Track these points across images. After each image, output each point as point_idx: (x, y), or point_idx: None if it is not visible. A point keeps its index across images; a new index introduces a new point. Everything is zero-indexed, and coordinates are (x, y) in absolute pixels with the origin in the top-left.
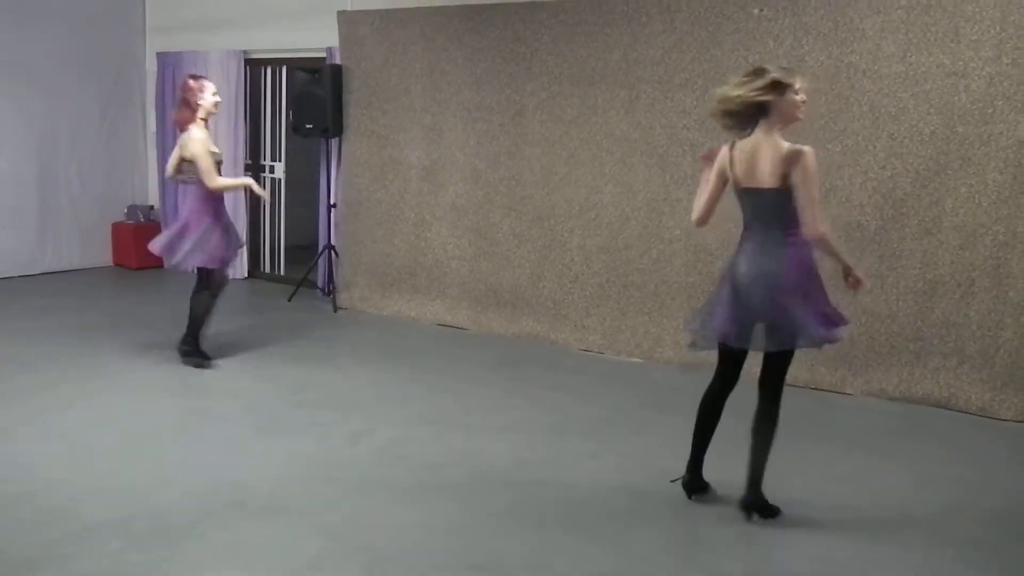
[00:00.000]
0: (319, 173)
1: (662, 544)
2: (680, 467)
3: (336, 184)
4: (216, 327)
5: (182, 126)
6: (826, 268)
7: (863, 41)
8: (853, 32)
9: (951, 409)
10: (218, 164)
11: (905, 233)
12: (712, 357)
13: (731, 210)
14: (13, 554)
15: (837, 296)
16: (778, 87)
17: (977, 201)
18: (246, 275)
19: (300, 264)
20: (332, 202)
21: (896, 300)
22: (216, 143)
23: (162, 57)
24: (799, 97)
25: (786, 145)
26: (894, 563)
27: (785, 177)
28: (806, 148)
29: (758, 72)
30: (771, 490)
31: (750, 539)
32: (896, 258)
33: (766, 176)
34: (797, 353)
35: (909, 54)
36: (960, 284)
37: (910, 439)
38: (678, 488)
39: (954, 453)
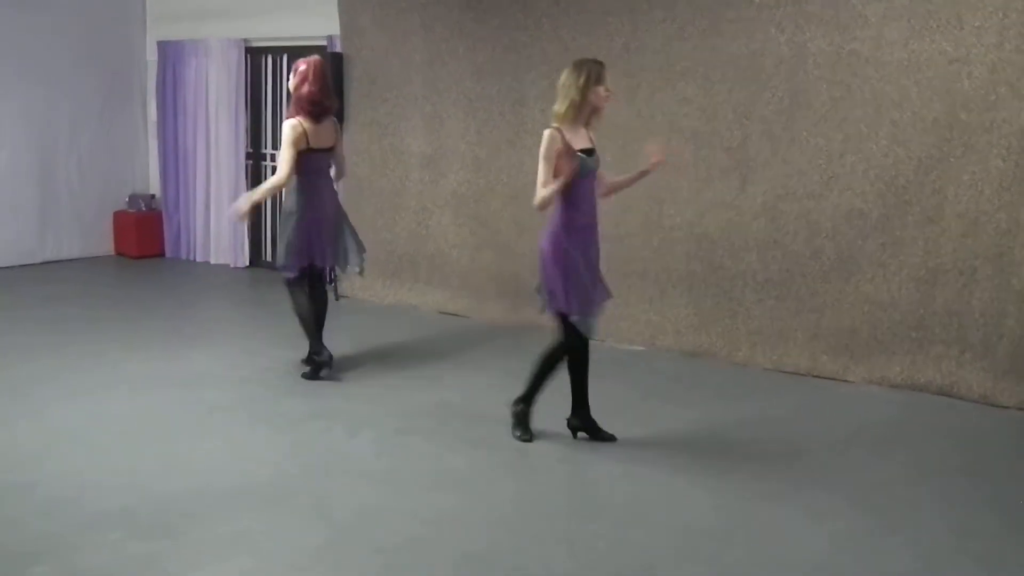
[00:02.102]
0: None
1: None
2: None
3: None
4: (217, 316)
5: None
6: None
7: (865, 28)
8: (855, 19)
9: (953, 397)
10: (308, 152)
11: (907, 221)
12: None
13: (732, 199)
14: (15, 545)
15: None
16: None
17: (980, 189)
18: (247, 264)
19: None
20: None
21: (898, 288)
22: (217, 132)
23: (163, 46)
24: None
25: None
26: (901, 553)
27: None
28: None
29: None
30: (782, 486)
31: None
32: (898, 246)
33: None
34: (800, 341)
35: (911, 41)
36: (962, 272)
37: (911, 427)
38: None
39: (956, 441)
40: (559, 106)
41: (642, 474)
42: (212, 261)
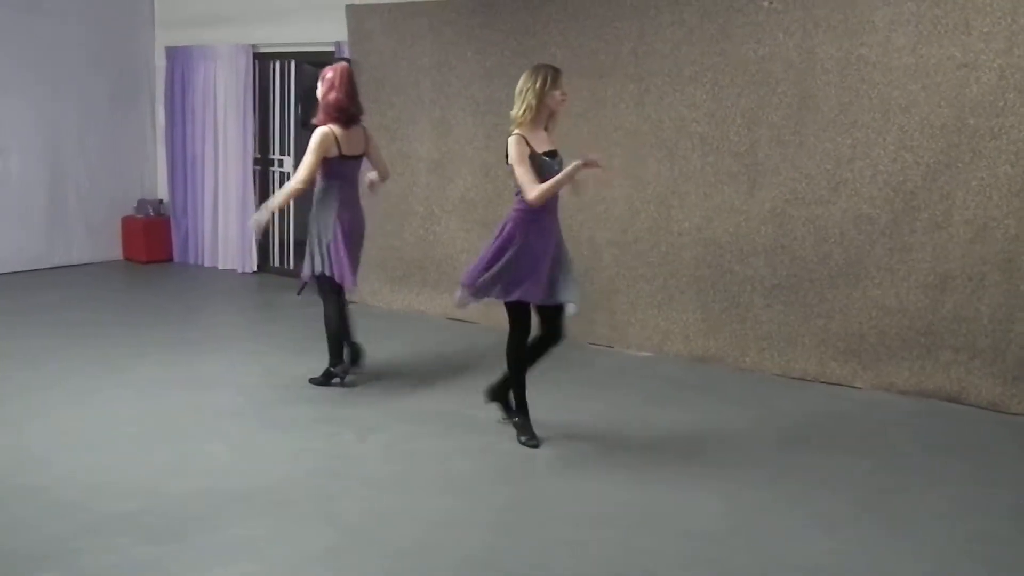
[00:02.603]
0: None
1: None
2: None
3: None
4: (224, 321)
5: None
6: None
7: (873, 34)
8: (863, 24)
9: (962, 403)
10: (340, 159)
11: (916, 227)
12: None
13: (740, 204)
14: (23, 549)
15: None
16: None
17: (988, 194)
18: (255, 269)
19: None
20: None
21: (907, 294)
22: (225, 137)
23: (171, 51)
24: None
25: None
26: (909, 560)
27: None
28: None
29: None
30: (790, 492)
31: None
32: (906, 252)
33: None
34: (809, 346)
35: (919, 46)
36: (971, 278)
37: (920, 434)
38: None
39: (965, 447)
40: (516, 110)
41: (648, 479)
42: (220, 266)
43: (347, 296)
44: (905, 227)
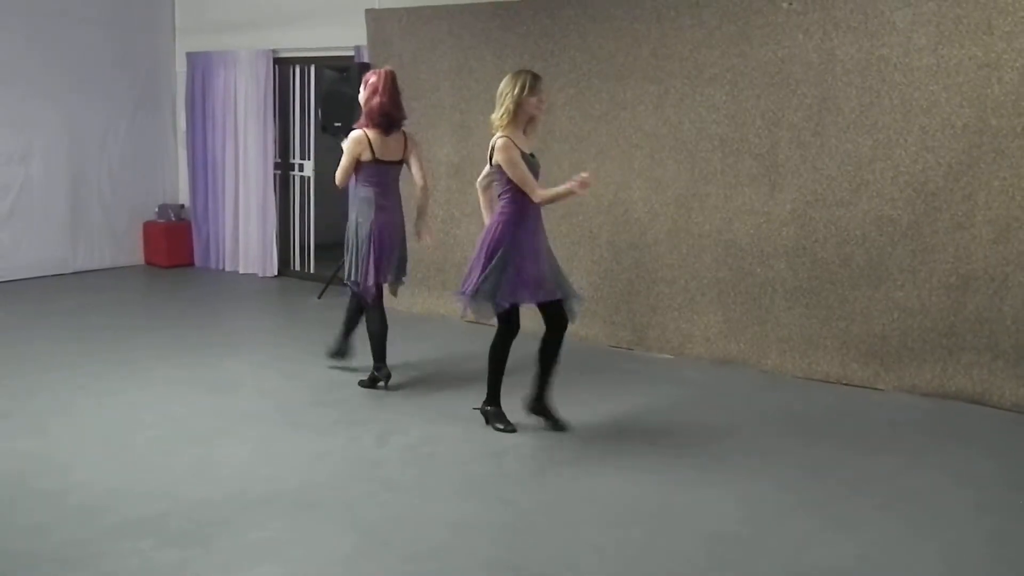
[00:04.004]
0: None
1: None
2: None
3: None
4: (246, 325)
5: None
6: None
7: (894, 34)
8: (884, 25)
9: (985, 405)
10: (375, 163)
11: (937, 227)
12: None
13: (761, 206)
14: (46, 552)
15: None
16: None
17: (1011, 195)
18: (276, 273)
19: (330, 262)
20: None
21: (929, 295)
22: (245, 142)
23: (192, 57)
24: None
25: None
26: (933, 561)
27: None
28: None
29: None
30: (813, 494)
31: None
32: (928, 252)
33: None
34: (830, 348)
35: (941, 46)
36: (994, 279)
37: (943, 436)
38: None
39: (988, 449)
40: (496, 114)
41: (669, 481)
42: (241, 270)
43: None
44: (927, 228)
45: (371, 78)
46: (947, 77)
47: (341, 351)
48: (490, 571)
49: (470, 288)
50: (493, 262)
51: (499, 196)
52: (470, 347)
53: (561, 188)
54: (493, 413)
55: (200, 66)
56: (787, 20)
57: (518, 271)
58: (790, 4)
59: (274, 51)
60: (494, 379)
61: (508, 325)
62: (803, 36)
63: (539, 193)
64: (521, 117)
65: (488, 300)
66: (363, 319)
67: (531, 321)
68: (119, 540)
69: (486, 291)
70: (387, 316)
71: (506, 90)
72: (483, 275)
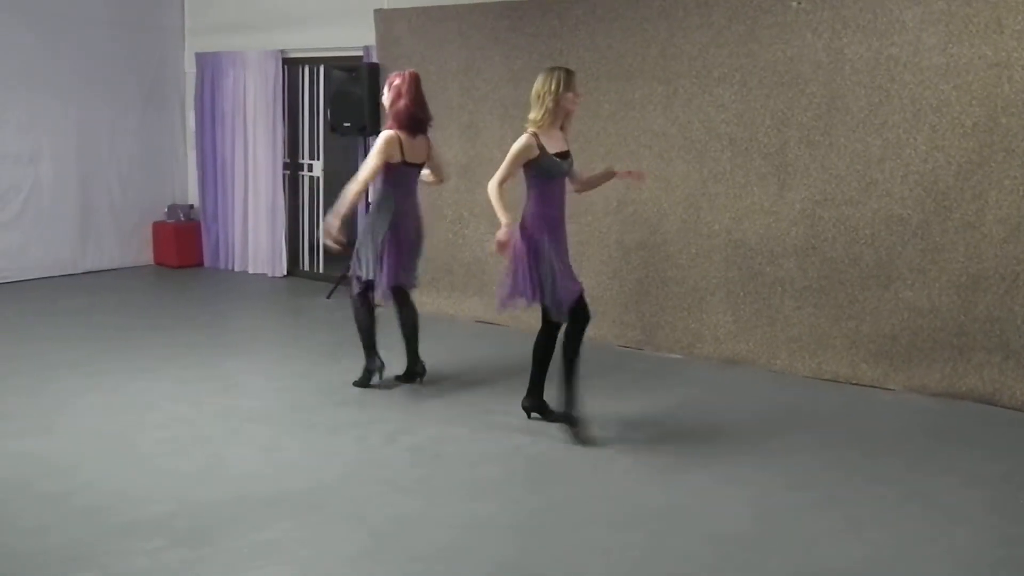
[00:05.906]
0: (357, 171)
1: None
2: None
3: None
4: (255, 325)
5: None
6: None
7: (903, 33)
8: (893, 24)
9: (995, 405)
10: (403, 165)
11: (947, 227)
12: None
13: (770, 205)
14: (54, 552)
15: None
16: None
17: (1021, 193)
18: (285, 273)
19: (339, 262)
20: (369, 200)
21: (939, 294)
22: (255, 143)
23: (201, 58)
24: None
25: None
26: (943, 562)
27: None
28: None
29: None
30: (822, 494)
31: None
32: (938, 252)
33: None
34: (840, 348)
35: (950, 45)
36: (1004, 278)
37: (953, 436)
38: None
39: (999, 449)
40: (535, 113)
41: (678, 481)
42: (250, 271)
43: (378, 301)
44: (937, 227)
45: (395, 80)
46: (957, 76)
47: (418, 371)
48: (498, 572)
49: (539, 296)
50: (540, 272)
51: (527, 196)
52: (479, 348)
53: (499, 209)
54: (567, 417)
55: (209, 66)
56: (796, 19)
57: (557, 276)
58: (799, 3)
59: (283, 51)
60: (543, 374)
61: (553, 321)
62: (812, 35)
63: (492, 183)
64: (559, 114)
65: (556, 303)
66: (399, 318)
67: (531, 320)
68: (127, 540)
69: (552, 295)
70: (384, 317)
71: (544, 89)
72: (533, 285)
